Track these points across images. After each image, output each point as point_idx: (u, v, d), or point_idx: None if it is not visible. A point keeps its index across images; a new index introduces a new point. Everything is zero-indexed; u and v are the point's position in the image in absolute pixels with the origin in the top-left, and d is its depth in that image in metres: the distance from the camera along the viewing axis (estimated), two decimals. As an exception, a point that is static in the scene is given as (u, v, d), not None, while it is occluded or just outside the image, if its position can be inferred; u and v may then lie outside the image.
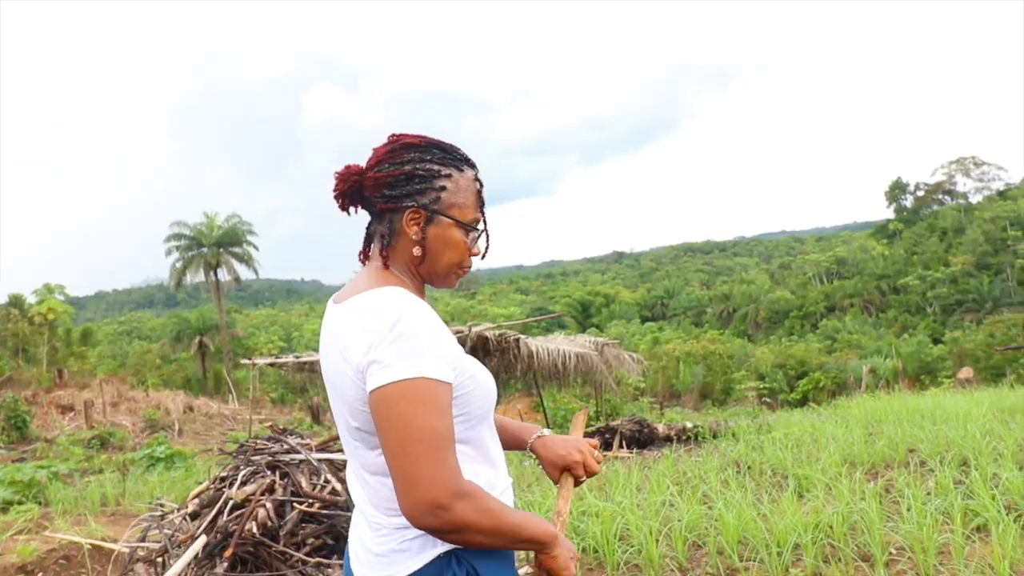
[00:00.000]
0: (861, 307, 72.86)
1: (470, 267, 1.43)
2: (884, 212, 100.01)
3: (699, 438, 10.02)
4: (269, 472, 3.65)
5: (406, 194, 1.34)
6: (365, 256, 1.42)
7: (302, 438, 4.14)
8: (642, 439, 10.12)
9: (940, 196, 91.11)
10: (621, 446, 9.83)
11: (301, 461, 3.73)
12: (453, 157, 1.39)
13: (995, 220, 74.07)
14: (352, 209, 1.41)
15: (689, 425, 10.58)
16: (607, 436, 10.01)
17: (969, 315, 58.68)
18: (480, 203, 1.41)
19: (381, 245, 1.37)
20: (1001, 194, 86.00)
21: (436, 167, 1.36)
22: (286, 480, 3.59)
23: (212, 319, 42.41)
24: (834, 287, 78.41)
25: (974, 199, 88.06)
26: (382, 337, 1.20)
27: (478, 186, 1.41)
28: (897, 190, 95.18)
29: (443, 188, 1.36)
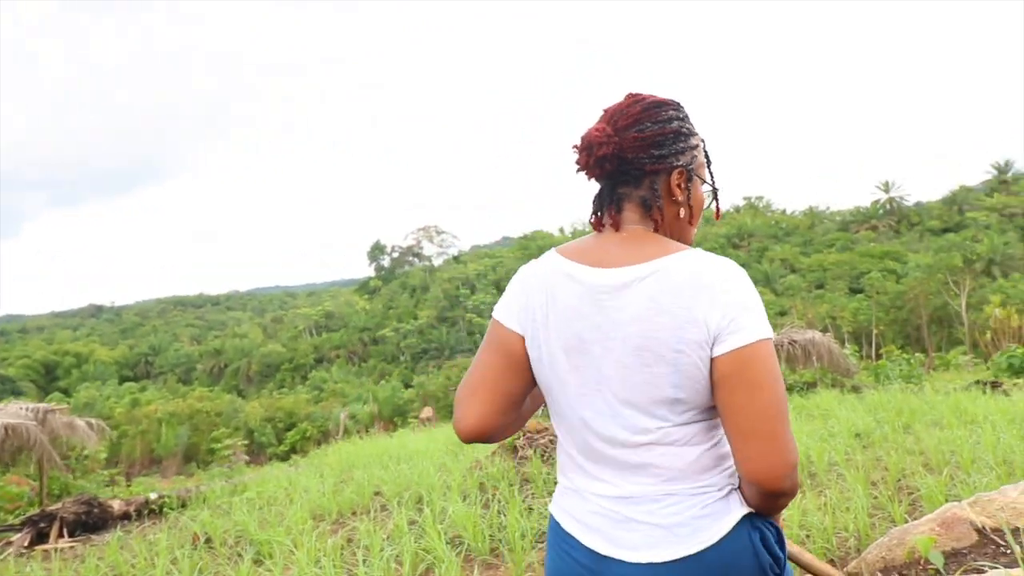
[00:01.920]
0: (347, 357, 77.77)
1: None
2: (367, 270, 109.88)
3: (163, 510, 8.81)
4: None
5: (673, 153, 1.26)
6: (615, 222, 1.28)
7: None
8: (93, 522, 8.42)
9: (411, 258, 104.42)
10: (62, 535, 8.00)
11: None
12: (689, 115, 1.34)
13: (451, 280, 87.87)
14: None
15: (153, 496, 9.24)
16: (42, 525, 8.05)
17: (433, 361, 67.81)
18: (709, 162, 1.37)
19: (644, 209, 1.26)
20: (455, 259, 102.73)
21: (689, 125, 1.31)
22: None
23: None
24: (323, 339, 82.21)
25: (436, 262, 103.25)
26: (733, 298, 1.14)
27: (704, 144, 1.36)
28: (377, 251, 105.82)
29: (696, 147, 1.31)
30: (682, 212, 1.28)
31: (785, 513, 4.18)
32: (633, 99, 1.28)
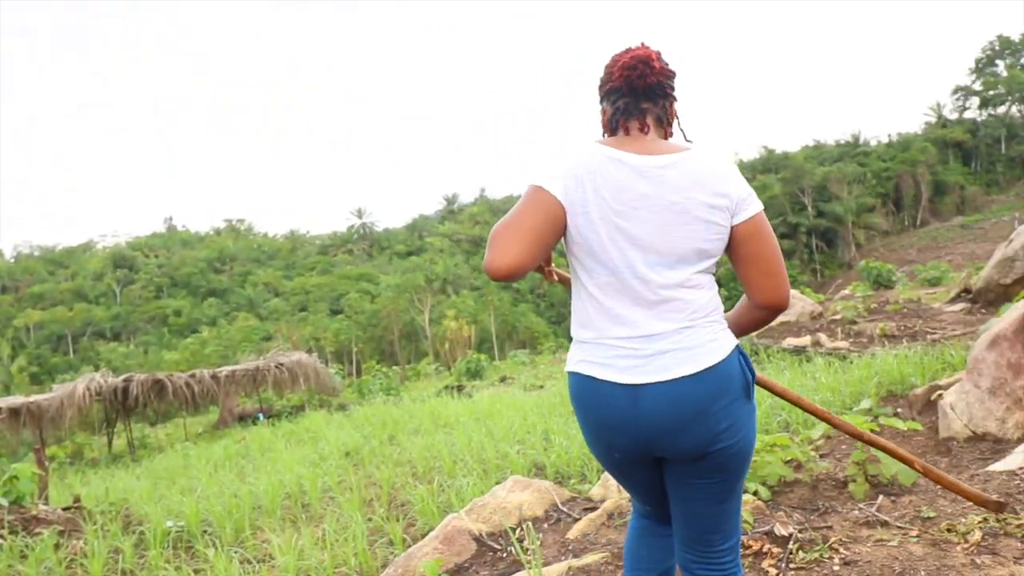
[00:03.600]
0: None
1: None
2: None
3: None
4: None
5: (675, 88, 1.74)
6: (642, 126, 1.68)
7: None
8: None
9: None
10: None
11: None
12: None
13: None
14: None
15: None
16: None
17: None
18: None
19: (658, 123, 1.71)
20: None
21: None
22: None
23: None
24: None
25: None
26: (742, 180, 1.64)
27: None
28: None
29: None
30: (673, 133, 1.76)
31: (280, 559, 3.63)
32: (647, 46, 1.71)
